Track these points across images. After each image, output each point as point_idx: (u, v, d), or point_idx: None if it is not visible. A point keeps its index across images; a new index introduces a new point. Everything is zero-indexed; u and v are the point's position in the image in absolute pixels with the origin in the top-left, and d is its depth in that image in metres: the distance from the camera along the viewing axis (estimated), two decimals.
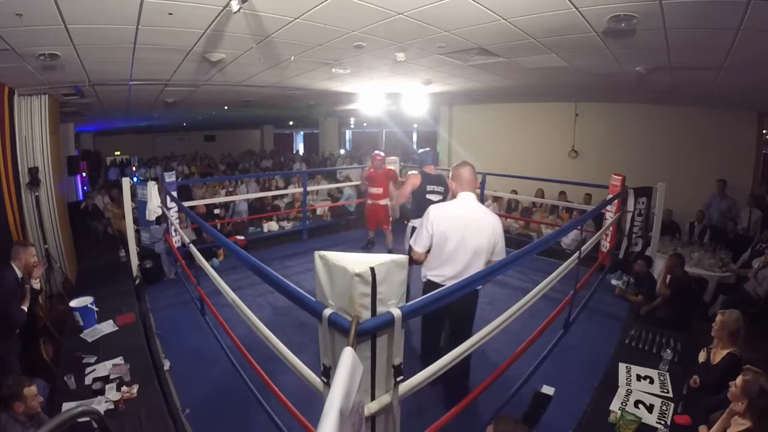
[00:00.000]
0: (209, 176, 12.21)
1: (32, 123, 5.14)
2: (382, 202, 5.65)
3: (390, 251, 5.56)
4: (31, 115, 5.12)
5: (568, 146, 8.28)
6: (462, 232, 2.43)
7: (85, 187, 10.96)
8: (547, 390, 1.71)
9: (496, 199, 7.68)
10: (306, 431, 1.97)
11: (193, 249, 3.54)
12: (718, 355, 2.60)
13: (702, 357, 2.75)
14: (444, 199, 3.64)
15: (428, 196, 3.67)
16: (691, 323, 3.80)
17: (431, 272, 2.56)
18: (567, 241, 6.09)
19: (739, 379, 1.99)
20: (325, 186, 9.17)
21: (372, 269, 1.30)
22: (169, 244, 4.84)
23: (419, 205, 3.59)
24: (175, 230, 4.80)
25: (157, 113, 9.43)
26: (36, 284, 3.30)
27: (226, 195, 8.22)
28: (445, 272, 2.50)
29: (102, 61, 3.78)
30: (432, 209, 2.52)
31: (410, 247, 2.65)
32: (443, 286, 2.15)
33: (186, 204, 5.86)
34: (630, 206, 4.88)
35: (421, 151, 3.97)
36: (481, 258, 2.48)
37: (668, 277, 4.00)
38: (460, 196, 2.56)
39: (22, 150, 5.05)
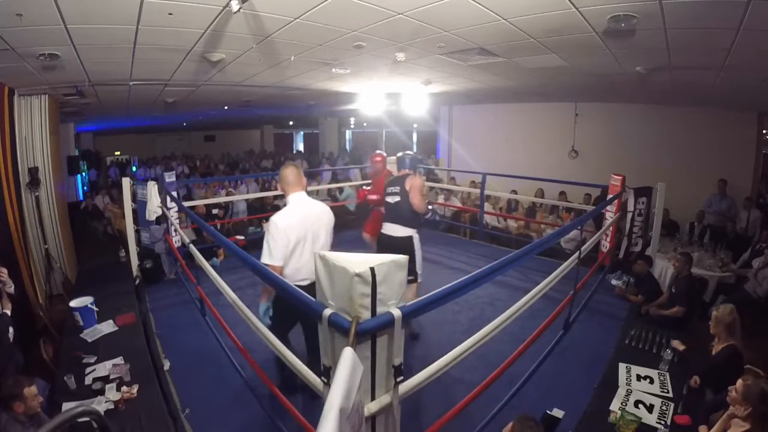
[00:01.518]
0: (209, 176, 12.21)
1: (32, 123, 5.14)
2: None
3: None
4: (31, 115, 5.12)
5: (568, 146, 8.28)
6: (312, 232, 2.50)
7: (85, 187, 10.98)
8: (557, 413, 1.72)
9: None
10: (306, 431, 1.97)
11: (193, 249, 3.54)
12: (717, 347, 2.61)
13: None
14: (401, 201, 3.51)
15: (386, 198, 3.60)
16: (690, 324, 3.80)
17: (293, 280, 2.41)
18: (567, 241, 6.08)
19: (739, 384, 1.98)
20: (325, 186, 9.17)
21: (372, 269, 1.30)
22: (169, 244, 4.84)
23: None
24: (175, 230, 4.81)
25: (157, 113, 9.43)
26: (10, 288, 3.02)
27: (226, 195, 8.21)
28: (310, 275, 2.44)
29: (102, 61, 3.78)
30: (278, 219, 2.43)
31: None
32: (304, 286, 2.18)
33: (186, 204, 5.86)
34: (630, 206, 4.88)
35: (399, 154, 3.87)
36: (329, 245, 2.60)
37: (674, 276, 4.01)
38: (294, 198, 2.55)
39: (22, 150, 5.05)
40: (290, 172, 2.56)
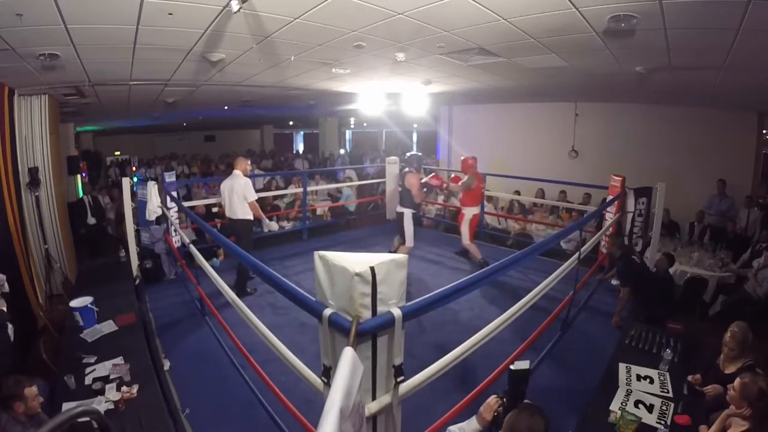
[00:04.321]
0: (209, 176, 12.18)
1: (32, 123, 5.13)
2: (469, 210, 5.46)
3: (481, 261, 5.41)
4: (31, 115, 5.11)
5: (568, 146, 8.27)
6: (228, 191, 4.60)
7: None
8: (520, 365, 1.58)
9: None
10: (306, 431, 1.97)
11: (193, 249, 3.55)
12: (733, 365, 2.56)
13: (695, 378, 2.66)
14: (402, 190, 5.09)
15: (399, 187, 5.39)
16: (663, 314, 3.72)
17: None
18: (567, 241, 6.08)
19: (737, 383, 1.97)
20: (324, 186, 9.17)
21: (372, 269, 1.30)
22: (169, 244, 4.84)
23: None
24: (175, 230, 4.81)
25: (157, 113, 9.42)
26: (3, 288, 3.09)
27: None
28: (231, 215, 4.63)
29: (102, 61, 3.78)
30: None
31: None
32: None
33: (186, 204, 5.86)
34: (630, 207, 4.88)
35: (407, 155, 5.39)
36: (237, 201, 4.55)
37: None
38: (232, 173, 4.67)
39: (22, 150, 5.04)
40: (237, 162, 4.75)
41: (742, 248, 5.56)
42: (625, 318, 3.92)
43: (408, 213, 5.01)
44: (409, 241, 5.03)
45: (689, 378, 2.60)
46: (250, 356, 2.64)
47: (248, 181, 4.64)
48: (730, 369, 2.54)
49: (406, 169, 5.14)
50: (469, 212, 5.47)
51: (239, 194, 4.53)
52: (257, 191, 5.02)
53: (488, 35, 3.35)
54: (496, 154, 8.98)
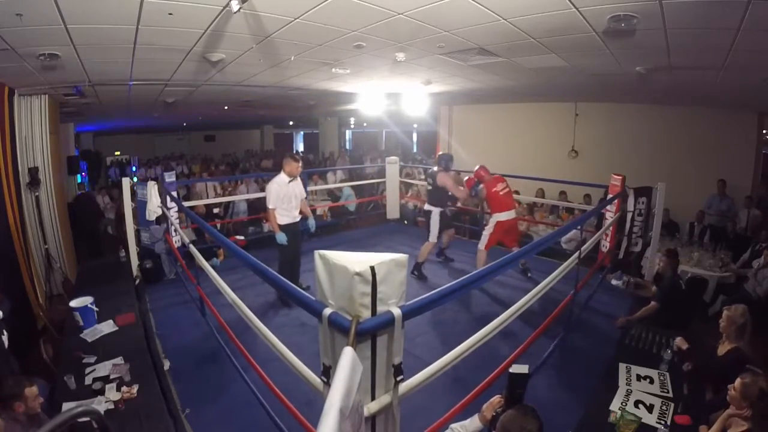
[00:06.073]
0: (209, 176, 12.19)
1: (32, 123, 5.14)
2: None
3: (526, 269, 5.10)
4: (31, 115, 5.12)
5: (568, 146, 8.27)
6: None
7: (86, 188, 10.96)
8: (519, 369, 1.61)
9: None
10: (306, 431, 1.97)
11: (193, 249, 3.55)
12: (724, 348, 2.59)
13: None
14: (432, 189, 5.04)
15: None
16: (687, 324, 3.73)
17: (284, 219, 4.28)
18: (567, 241, 6.08)
19: (737, 383, 1.97)
20: (324, 186, 9.16)
21: (372, 268, 1.30)
22: (169, 244, 4.84)
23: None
24: (175, 230, 4.81)
25: (157, 113, 9.43)
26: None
27: (224, 195, 8.19)
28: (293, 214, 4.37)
29: (102, 61, 3.78)
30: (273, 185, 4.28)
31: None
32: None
33: (186, 204, 5.86)
34: (630, 206, 4.88)
35: (439, 153, 5.40)
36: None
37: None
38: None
39: (22, 150, 5.05)
40: (285, 163, 4.30)
41: (742, 248, 5.56)
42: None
43: (436, 211, 5.02)
44: (433, 237, 5.04)
45: (675, 340, 2.61)
46: (250, 356, 2.64)
47: (275, 186, 4.19)
48: (721, 352, 2.57)
49: (435, 169, 5.07)
50: (492, 219, 4.89)
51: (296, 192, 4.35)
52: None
53: (488, 35, 3.36)
54: (496, 153, 8.99)
